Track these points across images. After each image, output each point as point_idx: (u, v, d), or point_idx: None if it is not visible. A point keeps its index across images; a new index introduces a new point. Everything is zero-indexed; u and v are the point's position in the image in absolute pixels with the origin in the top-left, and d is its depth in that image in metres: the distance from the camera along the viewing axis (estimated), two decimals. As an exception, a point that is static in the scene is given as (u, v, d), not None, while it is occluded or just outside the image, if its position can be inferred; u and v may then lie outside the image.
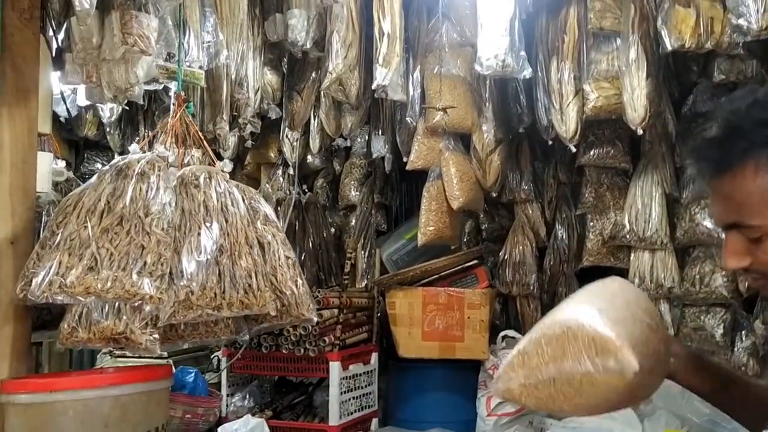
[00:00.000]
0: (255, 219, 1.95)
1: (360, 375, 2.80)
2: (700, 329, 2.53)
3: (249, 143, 3.33)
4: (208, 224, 1.84)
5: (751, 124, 0.88)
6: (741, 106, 0.90)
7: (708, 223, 2.51)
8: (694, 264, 2.56)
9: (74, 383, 1.71)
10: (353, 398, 2.73)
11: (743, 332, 2.52)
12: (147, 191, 1.80)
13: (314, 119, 3.07)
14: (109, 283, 1.69)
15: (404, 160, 2.87)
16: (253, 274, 1.87)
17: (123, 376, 1.76)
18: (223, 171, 1.95)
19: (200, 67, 2.11)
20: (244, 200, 1.97)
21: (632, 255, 2.69)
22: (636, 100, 2.31)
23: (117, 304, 1.78)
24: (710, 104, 2.65)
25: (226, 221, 1.88)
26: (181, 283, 1.77)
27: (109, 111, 3.17)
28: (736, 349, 2.51)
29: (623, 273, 2.77)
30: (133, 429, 1.70)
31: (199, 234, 1.82)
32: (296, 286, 1.92)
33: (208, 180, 1.89)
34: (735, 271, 1.01)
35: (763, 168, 0.88)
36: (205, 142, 1.99)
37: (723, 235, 1.00)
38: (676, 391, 2.58)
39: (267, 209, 1.99)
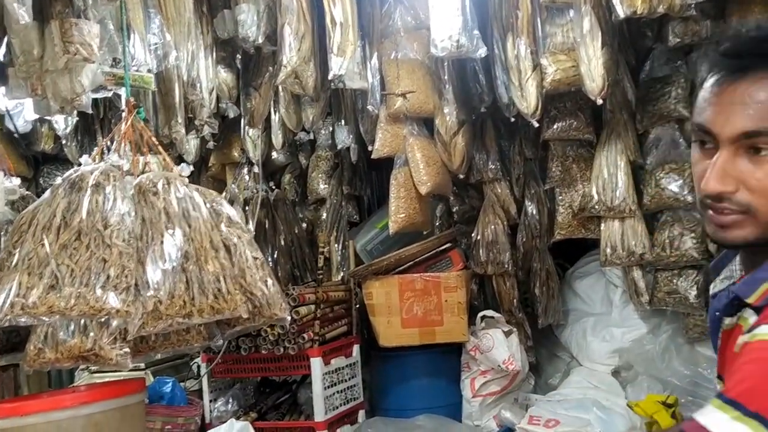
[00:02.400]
0: (218, 222, 1.91)
1: (343, 368, 2.79)
2: (674, 293, 2.55)
3: (211, 144, 3.27)
4: (170, 231, 1.80)
5: None
6: None
7: (674, 187, 2.53)
8: (663, 228, 2.58)
9: (45, 405, 1.67)
10: (338, 392, 2.72)
11: (716, 292, 2.54)
12: (104, 203, 1.76)
13: (275, 114, 3.02)
14: (72, 301, 1.64)
15: (370, 149, 2.84)
16: (222, 278, 1.84)
17: (94, 394, 1.72)
18: (181, 176, 1.91)
19: (149, 71, 2.06)
20: (205, 204, 1.93)
21: (602, 225, 2.70)
22: (593, 71, 2.30)
23: (83, 321, 1.74)
24: (667, 68, 2.66)
25: (189, 226, 1.84)
26: (148, 294, 1.73)
27: (63, 122, 3.09)
28: (710, 309, 2.54)
29: (595, 243, 2.79)
30: (110, 446, 1.67)
31: (162, 242, 1.78)
32: (266, 286, 1.89)
33: (166, 186, 1.84)
34: (711, 197, 0.96)
35: None
36: (160, 148, 1.95)
37: (699, 167, 0.96)
38: (655, 355, 2.62)
39: (230, 211, 1.95)
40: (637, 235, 2.62)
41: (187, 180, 1.92)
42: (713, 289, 1.14)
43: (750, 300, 0.96)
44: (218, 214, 1.93)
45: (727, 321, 1.01)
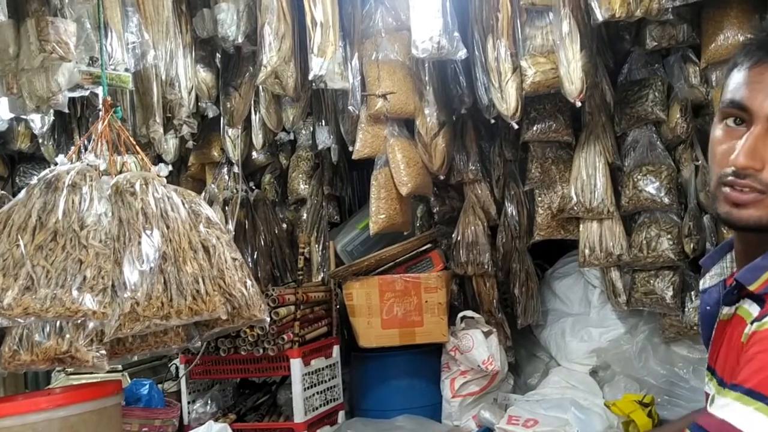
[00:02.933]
0: (197, 222, 1.90)
1: (323, 369, 2.78)
2: (651, 293, 2.58)
3: (190, 144, 3.24)
4: (148, 232, 1.78)
5: None
6: None
7: (651, 189, 2.55)
8: (641, 230, 2.60)
9: (20, 408, 1.65)
10: (317, 393, 2.72)
11: (692, 293, 2.58)
12: (80, 203, 1.74)
13: (255, 114, 3.00)
14: (48, 302, 1.62)
15: (350, 149, 2.84)
16: (200, 279, 1.82)
17: (70, 396, 1.70)
18: (159, 176, 1.89)
19: (126, 70, 2.04)
20: (184, 204, 1.91)
21: (581, 226, 2.72)
22: (572, 73, 2.32)
23: (59, 322, 1.72)
24: (644, 71, 2.69)
25: (167, 227, 1.82)
26: (125, 295, 1.71)
27: (40, 121, 3.04)
28: (686, 309, 2.57)
29: (574, 244, 2.82)
30: (86, 449, 1.65)
31: (139, 243, 1.76)
32: (246, 287, 1.88)
33: (144, 186, 1.83)
34: (737, 172, 0.97)
35: None
36: (137, 147, 1.93)
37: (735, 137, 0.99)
38: (632, 355, 2.65)
39: (209, 212, 1.94)
40: (615, 236, 2.64)
41: (165, 180, 1.91)
42: (703, 285, 1.16)
43: (752, 287, 0.97)
44: (197, 215, 1.92)
45: (725, 311, 1.02)
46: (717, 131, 1.05)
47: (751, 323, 0.94)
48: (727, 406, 0.86)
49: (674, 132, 2.59)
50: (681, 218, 2.58)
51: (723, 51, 2.39)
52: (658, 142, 2.63)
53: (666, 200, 2.54)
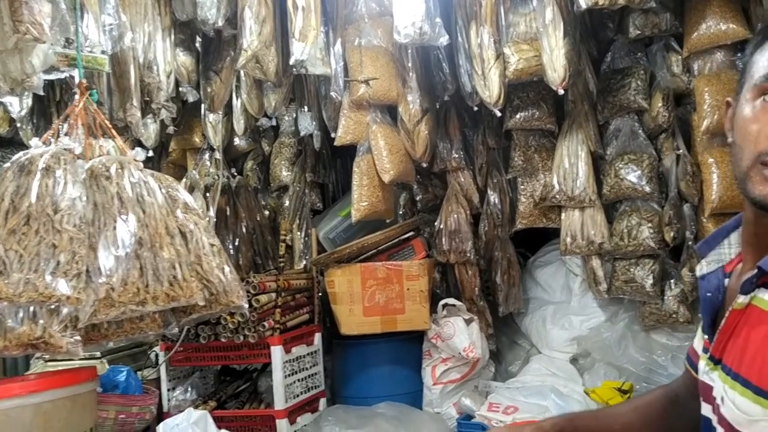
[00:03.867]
0: (174, 208, 1.87)
1: (304, 357, 2.78)
2: (631, 281, 2.59)
3: (171, 129, 3.20)
4: (123, 217, 1.76)
5: None
6: None
7: (632, 177, 2.56)
8: (622, 218, 2.61)
9: (-8, 394, 1.62)
10: (299, 380, 2.71)
11: (672, 281, 2.59)
12: (54, 187, 1.71)
13: (236, 100, 2.97)
14: (21, 287, 1.60)
15: (333, 135, 2.82)
16: (177, 265, 1.80)
17: (43, 383, 1.68)
18: (135, 160, 1.86)
19: (103, 52, 2.00)
20: (161, 189, 1.89)
21: (563, 214, 2.72)
22: (555, 61, 2.31)
23: (32, 308, 1.69)
24: (627, 60, 2.68)
25: (144, 212, 1.80)
26: (100, 281, 1.69)
27: (18, 105, 2.99)
28: (666, 297, 2.59)
29: (556, 233, 2.82)
30: (59, 436, 1.63)
31: (115, 227, 1.74)
32: (223, 273, 1.87)
33: (119, 170, 1.80)
34: (760, 155, 0.95)
35: None
36: (113, 131, 1.89)
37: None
38: (612, 343, 2.66)
39: (186, 197, 1.91)
40: (597, 224, 2.65)
41: (141, 164, 1.88)
42: (700, 271, 1.13)
43: None
44: (174, 200, 1.89)
45: (741, 299, 0.99)
46: (750, 108, 0.99)
47: None
48: None
49: (656, 121, 2.59)
50: (662, 207, 2.59)
51: (705, 40, 2.40)
52: (640, 131, 2.63)
53: (647, 189, 2.54)
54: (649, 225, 2.54)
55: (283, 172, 3.36)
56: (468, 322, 2.74)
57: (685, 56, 2.53)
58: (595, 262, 2.71)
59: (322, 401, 2.88)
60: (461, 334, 2.69)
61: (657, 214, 2.57)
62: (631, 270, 2.59)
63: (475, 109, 2.67)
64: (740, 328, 0.98)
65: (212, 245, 1.88)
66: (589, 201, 2.64)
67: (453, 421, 2.65)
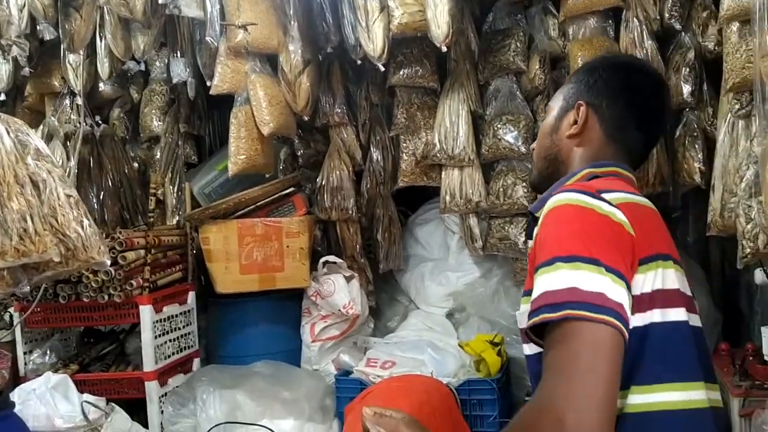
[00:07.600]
0: (24, 154, 1.69)
1: (176, 316, 2.66)
2: (505, 239, 2.67)
3: (26, 71, 2.88)
4: (-38, 163, 1.56)
5: None
6: None
7: (510, 138, 2.62)
8: (498, 178, 2.68)
9: None
10: (170, 341, 2.60)
11: (542, 238, 2.70)
12: None
13: (100, 40, 2.71)
14: None
15: (209, 84, 2.66)
16: (29, 217, 1.64)
17: None
18: (-24, 99, 1.65)
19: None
20: (9, 133, 1.69)
21: (443, 173, 2.75)
22: (439, 16, 2.29)
23: None
24: (508, 21, 2.72)
25: (-13, 158, 1.61)
26: (-66, 234, 1.50)
27: None
28: (536, 254, 2.70)
29: (436, 191, 2.85)
30: None
31: (-48, 175, 1.54)
32: (82, 227, 1.72)
33: (-43, 111, 1.59)
34: None
35: None
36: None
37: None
38: (486, 298, 2.75)
39: (38, 142, 1.73)
40: (475, 183, 2.70)
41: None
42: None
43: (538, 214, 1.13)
44: (24, 146, 1.71)
45: (530, 243, 1.09)
46: None
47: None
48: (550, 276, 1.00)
49: (533, 83, 2.65)
50: (536, 167, 2.67)
51: (581, 5, 2.46)
52: (518, 93, 2.69)
53: (523, 149, 2.61)
54: (524, 184, 2.62)
55: (154, 122, 3.15)
56: (348, 279, 2.73)
57: (561, 20, 2.59)
58: (472, 220, 2.77)
59: (196, 361, 2.78)
60: (341, 291, 2.67)
61: (530, 174, 2.66)
62: (506, 228, 2.67)
63: (359, 62, 2.60)
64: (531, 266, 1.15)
65: (69, 196, 1.73)
66: (468, 160, 2.68)
67: (331, 378, 2.65)
